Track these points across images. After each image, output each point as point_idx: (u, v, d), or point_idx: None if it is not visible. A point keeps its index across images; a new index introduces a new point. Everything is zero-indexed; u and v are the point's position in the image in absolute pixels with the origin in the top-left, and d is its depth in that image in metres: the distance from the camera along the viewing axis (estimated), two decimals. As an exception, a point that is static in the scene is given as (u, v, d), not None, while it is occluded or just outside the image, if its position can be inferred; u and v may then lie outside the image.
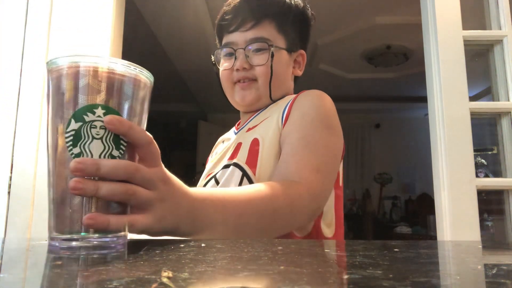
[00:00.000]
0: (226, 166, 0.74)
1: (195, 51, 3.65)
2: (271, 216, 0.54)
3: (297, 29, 0.85)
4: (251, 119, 0.84)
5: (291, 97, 0.79)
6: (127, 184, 0.37)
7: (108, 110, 0.36)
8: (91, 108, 0.36)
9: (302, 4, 0.86)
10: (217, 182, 0.75)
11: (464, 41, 1.42)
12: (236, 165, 0.72)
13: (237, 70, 0.80)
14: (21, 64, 1.39)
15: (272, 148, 0.71)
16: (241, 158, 0.72)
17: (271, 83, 0.80)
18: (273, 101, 0.84)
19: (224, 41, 0.84)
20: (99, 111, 0.36)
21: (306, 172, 0.62)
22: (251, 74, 0.80)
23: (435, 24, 1.43)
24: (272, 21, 0.81)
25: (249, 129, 0.80)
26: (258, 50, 0.79)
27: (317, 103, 0.73)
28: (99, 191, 0.35)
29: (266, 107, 0.84)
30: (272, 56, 0.78)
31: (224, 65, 0.83)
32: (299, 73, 0.87)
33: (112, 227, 0.35)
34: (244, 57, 0.79)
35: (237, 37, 0.80)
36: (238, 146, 0.76)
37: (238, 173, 0.70)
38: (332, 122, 0.72)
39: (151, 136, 0.39)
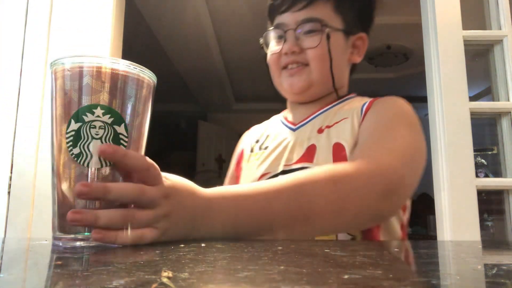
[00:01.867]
0: (302, 169, 0.63)
1: (195, 51, 3.65)
2: (303, 205, 0.46)
3: (357, 8, 0.76)
4: (315, 116, 0.74)
5: (364, 99, 0.73)
6: (124, 210, 0.37)
7: (107, 110, 0.36)
8: (90, 108, 0.36)
9: None
10: None
11: (464, 41, 1.41)
12: None
13: (286, 54, 0.72)
14: (21, 64, 1.38)
15: None
16: (324, 163, 0.62)
17: (332, 69, 0.71)
18: (338, 95, 0.76)
19: (275, 23, 0.75)
20: (98, 111, 0.36)
21: (376, 151, 0.55)
22: (301, 58, 0.71)
23: (435, 24, 1.43)
24: None
25: (321, 130, 0.70)
26: (310, 32, 0.71)
27: (397, 104, 0.68)
28: (98, 221, 0.35)
29: (333, 104, 0.75)
30: (328, 38, 0.70)
31: (272, 49, 0.75)
32: (358, 59, 0.78)
33: (119, 242, 0.36)
34: (294, 39, 0.71)
35: (288, 18, 0.72)
36: (312, 149, 0.68)
37: None
38: (412, 120, 0.65)
39: (148, 161, 0.39)
